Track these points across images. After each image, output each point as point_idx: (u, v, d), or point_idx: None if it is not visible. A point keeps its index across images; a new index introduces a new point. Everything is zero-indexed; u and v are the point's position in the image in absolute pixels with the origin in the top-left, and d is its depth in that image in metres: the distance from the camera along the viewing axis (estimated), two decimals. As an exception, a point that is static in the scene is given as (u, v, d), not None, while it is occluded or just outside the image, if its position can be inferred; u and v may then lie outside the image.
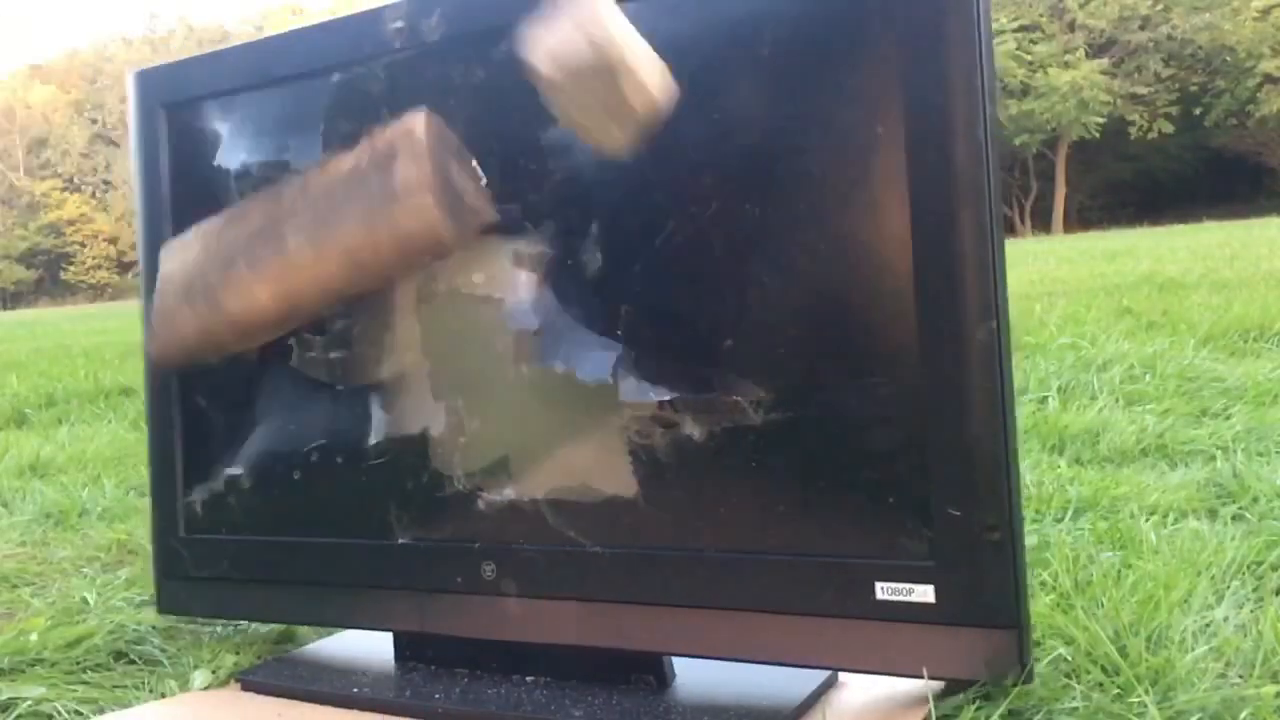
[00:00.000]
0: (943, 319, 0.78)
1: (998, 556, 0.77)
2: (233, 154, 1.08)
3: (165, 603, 1.16)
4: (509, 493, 0.94)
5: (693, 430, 0.86)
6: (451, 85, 0.96)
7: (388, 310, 0.99)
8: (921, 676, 0.81)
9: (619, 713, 0.86)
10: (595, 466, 0.90)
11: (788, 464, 0.83)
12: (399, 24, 0.97)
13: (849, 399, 0.81)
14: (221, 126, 1.09)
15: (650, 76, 0.66)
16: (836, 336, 0.82)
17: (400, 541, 1.00)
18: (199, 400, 1.12)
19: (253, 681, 1.02)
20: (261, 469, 1.08)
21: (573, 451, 0.92)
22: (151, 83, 1.13)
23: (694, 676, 0.92)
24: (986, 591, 0.78)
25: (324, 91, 1.02)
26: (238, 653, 1.10)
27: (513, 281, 0.94)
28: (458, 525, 0.97)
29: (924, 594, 0.79)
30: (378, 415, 1.01)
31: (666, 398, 0.86)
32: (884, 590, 0.80)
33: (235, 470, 1.09)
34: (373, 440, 1.01)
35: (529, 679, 0.95)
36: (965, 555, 0.78)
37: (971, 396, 0.77)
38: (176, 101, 1.11)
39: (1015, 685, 0.79)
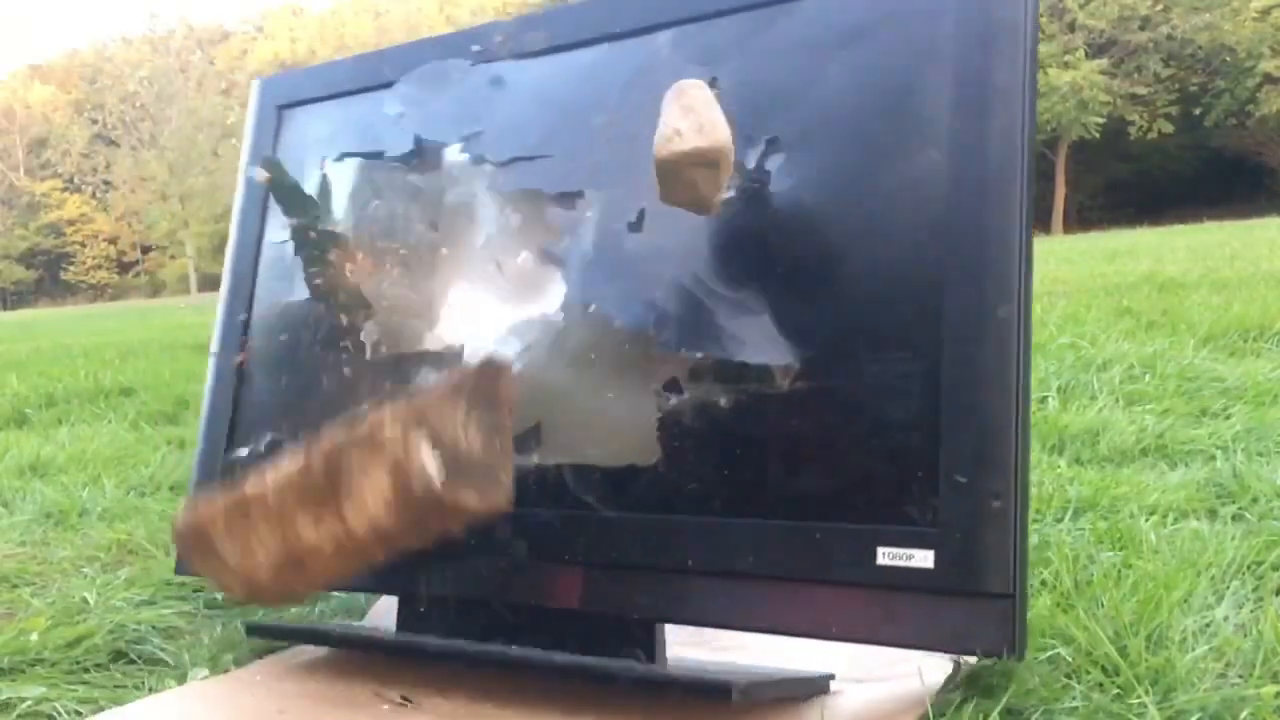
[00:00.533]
0: (968, 299, 0.81)
1: (999, 526, 0.78)
2: (332, 148, 1.19)
3: (184, 565, 1.18)
4: (536, 458, 0.97)
5: (720, 396, 0.89)
6: (513, 92, 1.08)
7: (440, 285, 1.08)
8: (920, 646, 0.82)
9: (602, 674, 0.88)
10: (623, 433, 0.93)
11: (806, 431, 0.86)
12: (478, 47, 1.11)
13: (874, 371, 0.84)
14: (325, 125, 1.21)
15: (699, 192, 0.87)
16: (866, 313, 0.86)
17: None
18: (254, 369, 1.19)
19: (258, 626, 1.08)
20: (302, 433, 1.11)
21: (603, 419, 0.95)
22: (271, 87, 1.29)
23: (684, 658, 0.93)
24: (985, 560, 0.78)
25: (400, 118, 1.15)
26: (235, 650, 1.10)
27: (560, 251, 1.01)
28: None
29: (924, 559, 0.79)
30: (421, 383, 1.06)
31: (700, 355, 0.90)
32: (885, 555, 0.81)
33: (278, 434, 1.14)
34: None
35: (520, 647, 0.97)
36: (967, 523, 0.79)
37: (991, 371, 0.80)
38: (290, 103, 1.24)
39: (1005, 657, 0.79)
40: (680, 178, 0.86)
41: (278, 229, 1.20)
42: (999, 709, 0.82)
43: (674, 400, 0.91)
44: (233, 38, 47.98)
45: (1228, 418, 1.88)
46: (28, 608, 1.28)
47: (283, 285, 1.18)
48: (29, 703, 0.98)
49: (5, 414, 3.13)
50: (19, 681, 1.04)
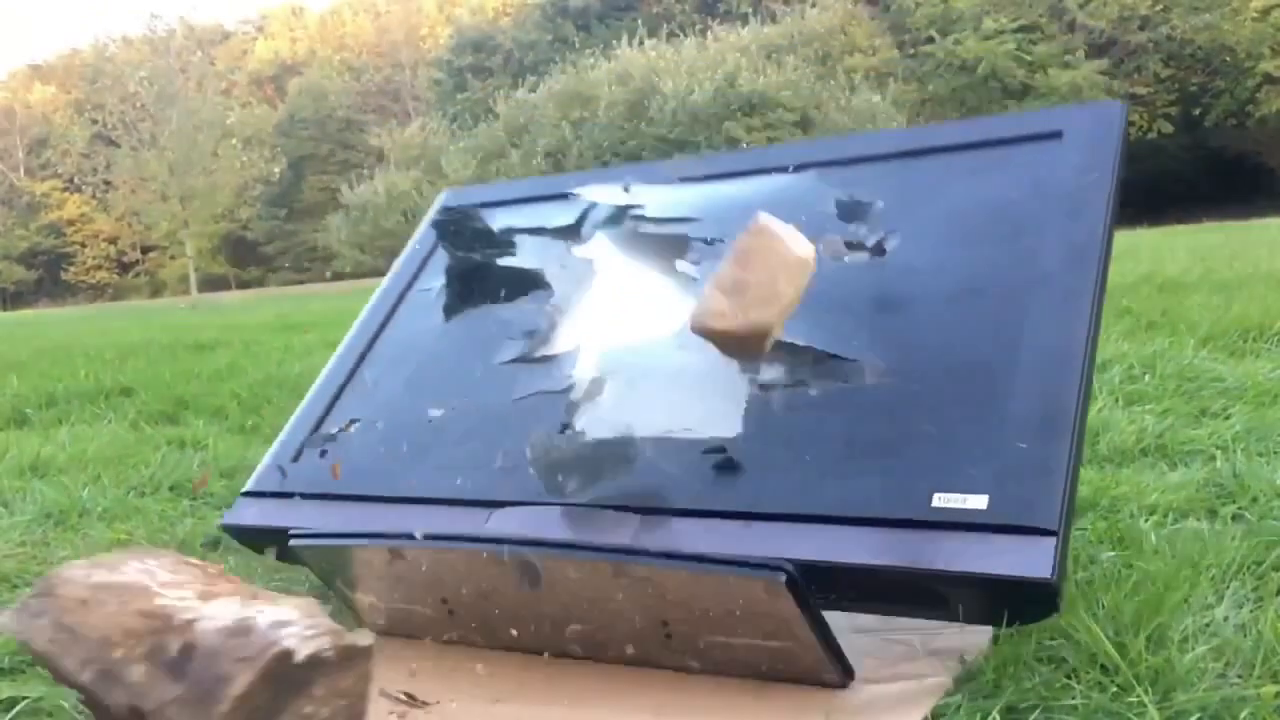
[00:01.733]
0: (1052, 304, 1.02)
1: (1050, 477, 0.89)
2: (498, 224, 1.46)
3: (232, 516, 1.28)
4: (622, 434, 1.09)
5: (811, 386, 1.07)
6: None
7: (566, 301, 1.29)
8: (974, 571, 0.87)
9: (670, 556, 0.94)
10: (709, 414, 1.07)
11: (881, 414, 1.01)
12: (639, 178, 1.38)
13: (955, 369, 1.01)
14: (495, 218, 1.49)
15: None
16: (952, 329, 1.05)
17: (495, 466, 1.14)
18: (367, 365, 1.41)
19: (302, 533, 1.13)
20: (393, 416, 1.29)
21: (694, 404, 1.08)
22: (454, 194, 1.67)
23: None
24: (1033, 502, 0.89)
25: (565, 207, 1.42)
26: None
27: (679, 273, 1.21)
28: (558, 455, 1.11)
29: (978, 501, 0.91)
30: (526, 380, 1.22)
31: (802, 344, 1.07)
32: (940, 499, 0.93)
33: (371, 417, 1.31)
34: (514, 398, 1.21)
35: None
36: (1021, 474, 0.91)
37: (1061, 362, 0.97)
38: (462, 206, 1.59)
39: (1049, 589, 0.85)
40: (716, 341, 1.00)
41: (430, 278, 1.49)
42: (999, 708, 0.82)
43: (777, 383, 1.07)
44: (233, 38, 47.98)
45: (1227, 418, 1.88)
46: (28, 607, 1.28)
47: (418, 319, 1.44)
48: (29, 701, 0.98)
49: (5, 414, 3.13)
50: (19, 681, 1.04)
